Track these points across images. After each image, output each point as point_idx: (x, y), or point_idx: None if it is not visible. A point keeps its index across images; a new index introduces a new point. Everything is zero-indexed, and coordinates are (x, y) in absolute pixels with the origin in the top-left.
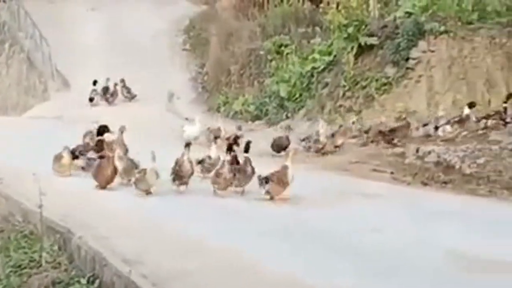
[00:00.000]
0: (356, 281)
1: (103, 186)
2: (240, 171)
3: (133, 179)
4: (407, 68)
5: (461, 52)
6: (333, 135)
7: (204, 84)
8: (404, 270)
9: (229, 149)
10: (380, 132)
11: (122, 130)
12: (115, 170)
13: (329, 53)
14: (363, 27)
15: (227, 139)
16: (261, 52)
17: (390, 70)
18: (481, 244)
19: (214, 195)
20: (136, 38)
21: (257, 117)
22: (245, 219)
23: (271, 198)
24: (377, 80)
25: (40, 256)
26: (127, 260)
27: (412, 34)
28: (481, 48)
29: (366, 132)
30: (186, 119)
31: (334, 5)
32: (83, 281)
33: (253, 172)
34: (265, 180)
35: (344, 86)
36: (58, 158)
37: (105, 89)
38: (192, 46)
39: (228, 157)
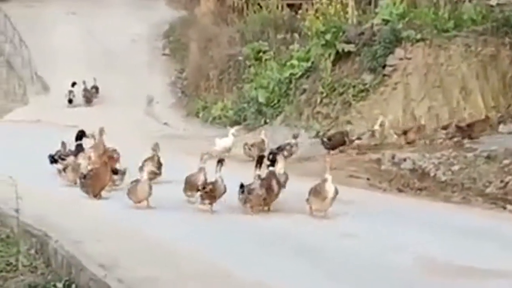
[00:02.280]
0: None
1: (96, 194)
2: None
3: (125, 188)
4: (384, 75)
5: (437, 60)
6: (405, 133)
7: (183, 89)
8: (376, 275)
9: (259, 162)
10: (459, 127)
11: (101, 132)
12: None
13: (307, 60)
14: (341, 34)
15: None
16: (240, 58)
17: (367, 77)
18: (453, 250)
19: (243, 212)
20: (115, 42)
21: (236, 122)
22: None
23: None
24: (354, 87)
25: (17, 260)
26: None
27: (389, 41)
28: (457, 56)
29: (445, 128)
30: (165, 123)
31: (313, 12)
32: (59, 285)
33: (279, 187)
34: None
35: (322, 93)
36: None
37: (85, 91)
38: (172, 51)
39: (258, 171)
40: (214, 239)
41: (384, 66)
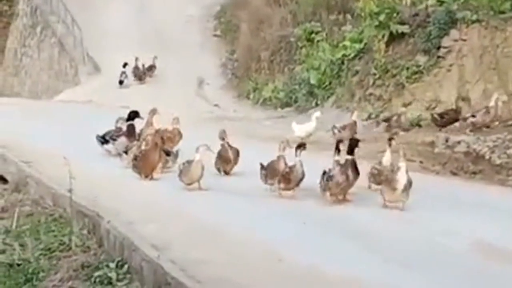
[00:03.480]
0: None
1: (147, 175)
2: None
3: (177, 170)
4: (438, 57)
5: (492, 42)
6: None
7: (234, 70)
8: (432, 260)
9: (338, 148)
10: None
11: (153, 112)
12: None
13: (360, 41)
14: (395, 15)
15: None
16: (292, 39)
17: (421, 59)
18: (509, 235)
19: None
20: (166, 23)
21: (286, 104)
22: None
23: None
24: (407, 69)
25: (70, 240)
26: (155, 246)
27: (443, 22)
28: None
29: None
30: (216, 105)
31: None
32: (112, 265)
33: (354, 177)
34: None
35: (375, 74)
36: None
37: (136, 69)
38: (223, 32)
39: (337, 157)
40: (269, 224)
41: (438, 48)
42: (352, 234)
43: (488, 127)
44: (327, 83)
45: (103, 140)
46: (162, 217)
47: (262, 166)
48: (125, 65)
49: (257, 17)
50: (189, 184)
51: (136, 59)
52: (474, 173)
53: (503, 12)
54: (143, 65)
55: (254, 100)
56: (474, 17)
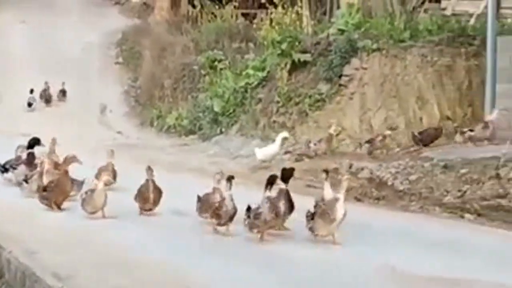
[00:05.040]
0: None
1: (58, 205)
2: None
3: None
4: (340, 85)
5: (393, 70)
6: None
7: (137, 98)
8: (336, 285)
9: (271, 183)
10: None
11: (53, 142)
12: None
13: (263, 69)
14: (297, 43)
15: None
16: (195, 67)
17: (323, 87)
18: (412, 260)
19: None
20: (68, 50)
21: (190, 132)
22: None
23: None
24: (310, 97)
25: None
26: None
27: (345, 51)
28: (413, 66)
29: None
30: (119, 132)
31: (268, 21)
32: None
33: (289, 208)
34: (311, 216)
35: (278, 102)
36: None
37: (44, 91)
38: (125, 59)
39: (268, 193)
40: (171, 250)
41: (340, 76)
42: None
43: (483, 139)
44: (231, 110)
45: (3, 169)
46: (66, 247)
47: (198, 198)
48: (31, 91)
49: (160, 45)
50: (92, 213)
51: (46, 83)
52: (378, 199)
53: (402, 41)
54: (60, 91)
55: (157, 127)
56: (375, 46)
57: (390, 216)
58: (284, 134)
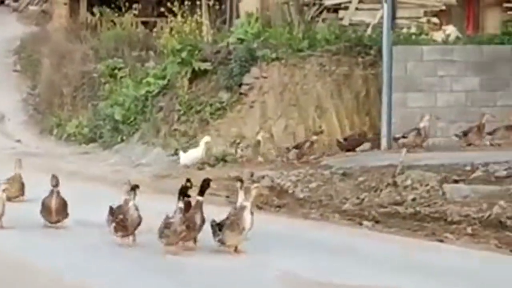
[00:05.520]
0: None
1: None
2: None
3: None
4: (241, 94)
5: (292, 79)
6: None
7: (36, 106)
8: None
9: (183, 193)
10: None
11: None
12: None
13: (163, 77)
14: (197, 52)
15: None
16: (95, 75)
17: (224, 95)
18: (313, 266)
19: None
20: None
21: (91, 140)
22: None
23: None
24: (211, 105)
25: None
26: None
27: (244, 60)
28: (312, 75)
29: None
30: (18, 141)
31: (168, 30)
32: None
33: (203, 221)
34: (219, 226)
35: (179, 110)
36: None
37: None
38: (23, 67)
39: (181, 204)
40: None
41: (240, 85)
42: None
43: (417, 146)
44: (132, 119)
45: None
46: None
47: (110, 209)
48: None
49: (59, 52)
50: None
51: None
52: (279, 207)
53: (301, 51)
54: None
55: (57, 136)
56: (274, 55)
57: (291, 223)
58: (207, 138)
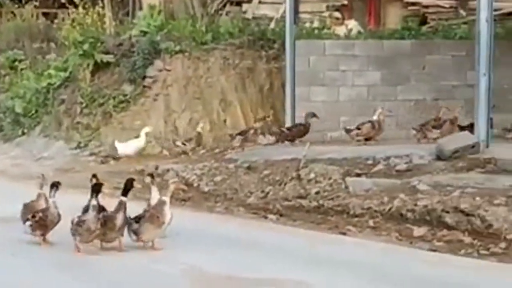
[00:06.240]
0: None
1: None
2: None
3: None
4: (144, 86)
5: (196, 72)
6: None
7: None
8: (145, 286)
9: (96, 190)
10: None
11: None
12: None
13: (65, 70)
14: (99, 44)
15: None
16: None
17: (127, 88)
18: (219, 260)
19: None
20: None
21: None
22: None
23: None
24: (114, 98)
25: None
26: None
27: (147, 52)
28: (216, 68)
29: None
30: None
31: (69, 21)
32: None
33: (125, 222)
34: (136, 219)
35: (82, 103)
36: None
37: None
38: None
39: (94, 201)
40: None
41: (144, 77)
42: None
43: (371, 139)
44: (33, 111)
45: None
46: None
47: (24, 206)
48: None
49: None
50: None
51: None
52: (184, 200)
53: (205, 43)
54: None
55: None
56: (178, 47)
57: (196, 217)
58: (147, 129)
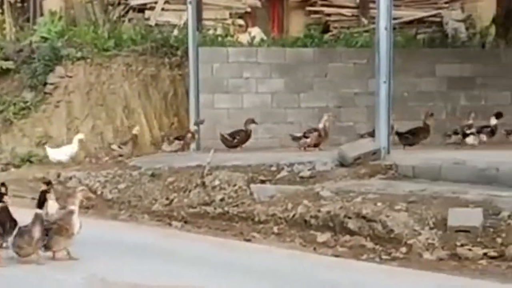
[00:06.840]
0: None
1: None
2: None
3: None
4: (45, 93)
5: (99, 78)
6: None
7: None
8: None
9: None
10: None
11: None
12: None
13: None
14: None
15: None
16: None
17: (28, 95)
18: (123, 268)
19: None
20: None
21: None
22: None
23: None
24: (15, 105)
25: None
26: None
27: (48, 59)
28: (119, 75)
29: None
30: None
31: None
32: None
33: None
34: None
35: None
36: None
37: None
38: None
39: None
40: None
41: (45, 84)
42: None
43: (317, 146)
44: None
45: None
46: None
47: None
48: None
49: None
50: None
51: None
52: (87, 208)
53: (107, 50)
54: None
55: None
56: (79, 54)
57: (100, 225)
58: (80, 135)
